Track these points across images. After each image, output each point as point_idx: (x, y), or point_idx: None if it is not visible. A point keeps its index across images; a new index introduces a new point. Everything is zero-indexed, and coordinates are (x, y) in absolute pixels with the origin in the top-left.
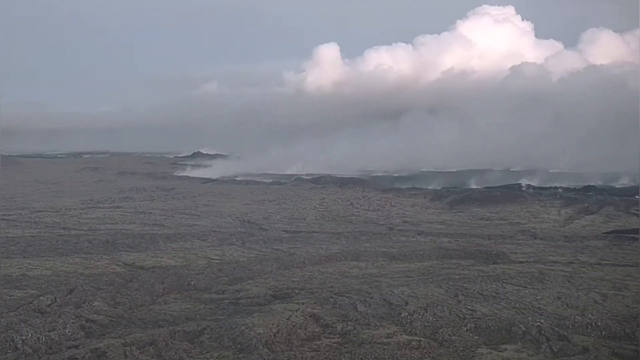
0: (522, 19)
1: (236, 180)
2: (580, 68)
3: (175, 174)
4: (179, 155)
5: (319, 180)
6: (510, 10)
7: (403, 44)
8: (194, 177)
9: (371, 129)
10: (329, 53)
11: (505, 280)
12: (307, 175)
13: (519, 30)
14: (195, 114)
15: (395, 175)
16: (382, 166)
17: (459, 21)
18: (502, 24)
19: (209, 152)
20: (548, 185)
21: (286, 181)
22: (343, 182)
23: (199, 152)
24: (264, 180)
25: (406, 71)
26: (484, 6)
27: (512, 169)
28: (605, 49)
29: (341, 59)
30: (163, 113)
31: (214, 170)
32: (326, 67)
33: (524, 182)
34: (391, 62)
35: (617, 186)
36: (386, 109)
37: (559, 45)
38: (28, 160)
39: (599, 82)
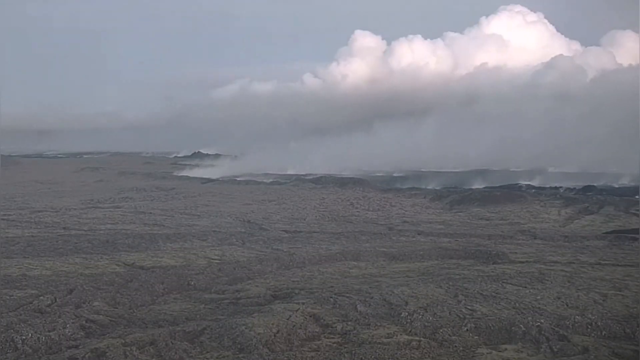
0: (546, 18)
1: (236, 180)
2: (612, 67)
3: (175, 174)
4: (179, 155)
5: (319, 180)
6: (536, 9)
7: (438, 39)
8: (194, 177)
9: (394, 127)
10: (365, 42)
11: (505, 280)
12: (308, 175)
13: (545, 29)
14: (208, 115)
15: (395, 175)
16: (403, 165)
17: (483, 18)
18: (528, 23)
19: (209, 152)
20: (548, 185)
21: (286, 181)
22: (343, 182)
23: (199, 152)
24: (264, 180)
25: (440, 67)
26: (511, 5)
27: (511, 169)
28: (629, 50)
29: (379, 49)
30: (178, 114)
31: (214, 170)
32: (357, 59)
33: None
34: (421, 57)
35: (617, 186)
36: (414, 106)
37: (579, 47)
38: (28, 160)
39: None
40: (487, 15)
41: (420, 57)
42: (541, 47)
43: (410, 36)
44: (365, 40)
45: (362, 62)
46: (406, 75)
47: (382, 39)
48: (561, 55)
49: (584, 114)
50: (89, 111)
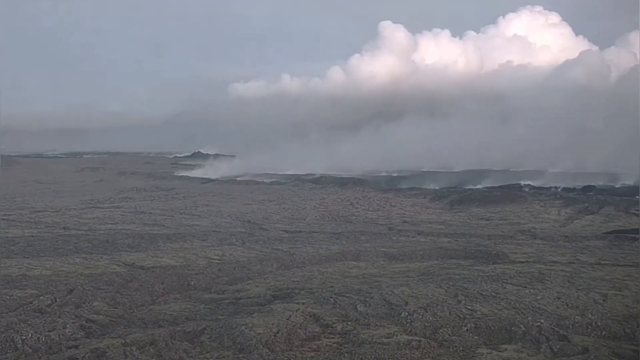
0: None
1: (236, 180)
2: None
3: (175, 174)
4: (179, 155)
5: (319, 180)
6: (554, 13)
7: (466, 38)
8: (194, 177)
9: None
10: (391, 34)
11: (505, 280)
12: (308, 175)
13: (566, 30)
14: (220, 113)
15: (395, 175)
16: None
17: (500, 18)
18: (549, 24)
19: (209, 152)
20: (548, 185)
21: (286, 181)
22: (343, 182)
23: (199, 152)
24: (264, 180)
25: (468, 65)
26: (528, 6)
27: (512, 169)
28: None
29: (405, 43)
30: (185, 114)
31: (214, 170)
32: (384, 51)
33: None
34: (448, 55)
35: (617, 186)
36: (439, 103)
37: (595, 48)
38: (28, 160)
39: None
40: (504, 15)
41: (448, 55)
42: (562, 49)
43: (437, 30)
44: (394, 34)
45: (389, 56)
46: (433, 72)
47: (409, 33)
48: (589, 50)
49: (610, 111)
50: (118, 110)
